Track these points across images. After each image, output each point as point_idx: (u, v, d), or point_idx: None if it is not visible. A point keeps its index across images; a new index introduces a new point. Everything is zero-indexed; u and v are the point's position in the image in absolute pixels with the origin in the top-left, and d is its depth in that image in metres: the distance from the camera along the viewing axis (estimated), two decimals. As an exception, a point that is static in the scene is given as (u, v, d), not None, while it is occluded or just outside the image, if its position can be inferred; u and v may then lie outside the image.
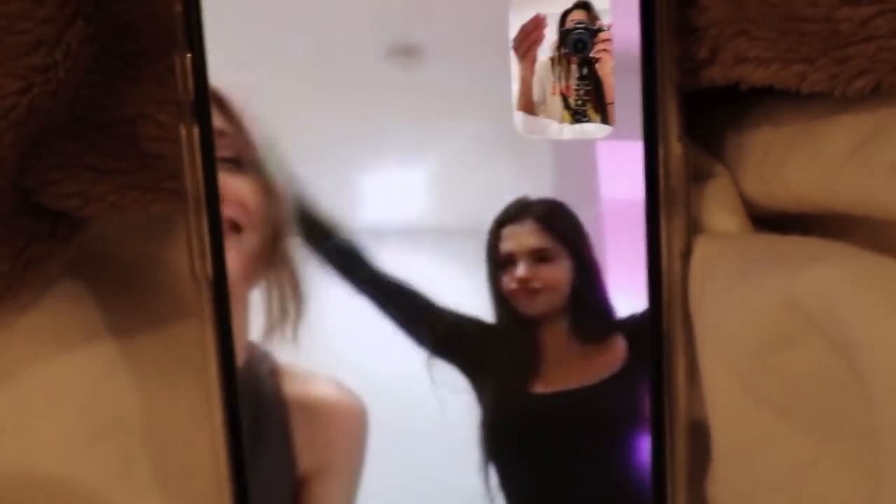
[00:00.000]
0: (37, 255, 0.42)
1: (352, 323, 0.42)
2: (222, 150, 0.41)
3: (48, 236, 0.43)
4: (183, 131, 0.40)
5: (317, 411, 0.43)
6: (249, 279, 0.42)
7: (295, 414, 0.43)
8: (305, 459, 0.43)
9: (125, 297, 0.45)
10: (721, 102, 0.41)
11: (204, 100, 0.39)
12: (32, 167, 0.42)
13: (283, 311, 0.42)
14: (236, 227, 0.42)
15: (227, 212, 0.41)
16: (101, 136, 0.42)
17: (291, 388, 0.42)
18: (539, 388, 0.43)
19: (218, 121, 0.40)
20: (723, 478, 0.40)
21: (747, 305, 0.38)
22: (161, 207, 0.42)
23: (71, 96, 0.41)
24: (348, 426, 0.43)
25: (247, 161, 0.41)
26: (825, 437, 0.37)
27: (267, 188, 0.41)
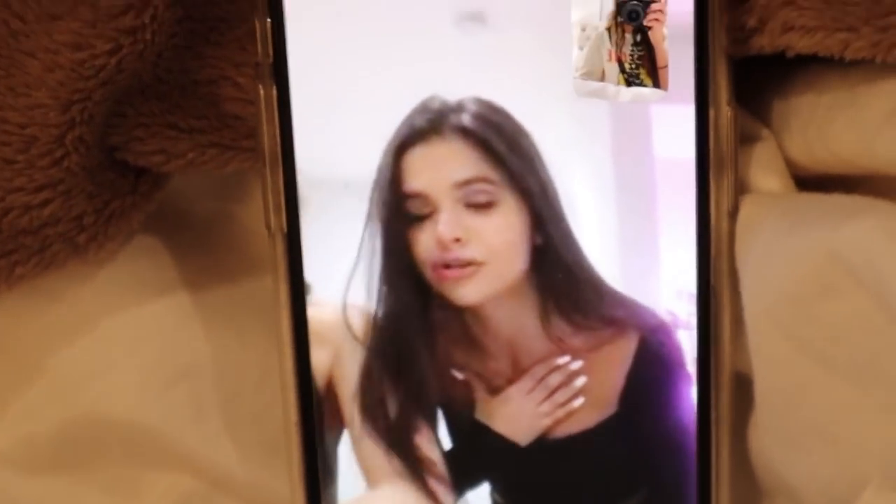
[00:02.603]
0: (119, 209, 0.44)
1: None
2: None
3: (130, 192, 0.44)
4: (261, 91, 0.41)
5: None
6: None
7: None
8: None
9: (199, 252, 0.47)
10: (768, 70, 0.42)
11: (282, 62, 0.41)
12: (118, 125, 0.43)
13: None
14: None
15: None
16: (183, 96, 0.43)
17: None
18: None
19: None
20: (765, 424, 0.42)
21: (791, 258, 0.39)
22: (236, 165, 0.44)
23: (156, 58, 0.42)
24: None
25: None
26: (864, 382, 0.39)
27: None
